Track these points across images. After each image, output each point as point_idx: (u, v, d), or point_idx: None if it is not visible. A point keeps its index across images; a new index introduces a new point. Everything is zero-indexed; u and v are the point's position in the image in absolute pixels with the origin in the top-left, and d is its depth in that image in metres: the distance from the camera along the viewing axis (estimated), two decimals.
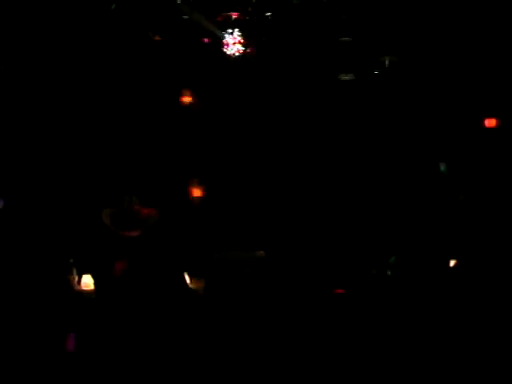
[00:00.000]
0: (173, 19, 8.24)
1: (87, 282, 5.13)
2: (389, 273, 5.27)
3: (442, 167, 6.48)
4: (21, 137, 7.28)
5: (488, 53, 8.11)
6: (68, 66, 7.86)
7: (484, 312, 4.73)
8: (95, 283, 5.09)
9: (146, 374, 4.59)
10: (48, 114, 7.55)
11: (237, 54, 8.33)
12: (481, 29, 8.13)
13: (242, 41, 8.28)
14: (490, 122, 7.91)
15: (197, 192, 7.29)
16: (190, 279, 5.22)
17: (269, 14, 8.31)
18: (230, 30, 8.35)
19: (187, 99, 8.15)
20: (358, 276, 5.59)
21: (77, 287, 5.11)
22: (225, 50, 8.28)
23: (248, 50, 8.18)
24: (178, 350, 4.70)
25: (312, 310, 5.03)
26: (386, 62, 7.96)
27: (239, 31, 8.32)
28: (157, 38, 8.11)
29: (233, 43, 8.32)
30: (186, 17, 8.23)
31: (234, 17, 8.36)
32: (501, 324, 4.66)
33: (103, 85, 7.86)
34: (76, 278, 5.14)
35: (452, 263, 5.48)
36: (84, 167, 7.26)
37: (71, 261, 5.14)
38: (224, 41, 8.20)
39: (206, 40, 8.22)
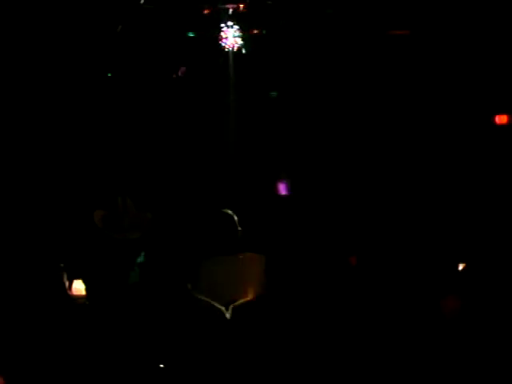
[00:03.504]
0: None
1: (78, 287, 4.99)
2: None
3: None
4: (11, 138, 7.20)
5: (499, 48, 8.00)
6: (63, 68, 7.81)
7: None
8: (87, 289, 4.94)
9: (142, 380, 4.45)
10: (42, 115, 7.48)
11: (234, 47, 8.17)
12: (492, 25, 8.03)
13: (239, 34, 8.13)
14: (501, 119, 7.82)
15: None
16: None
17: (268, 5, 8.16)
18: (226, 23, 8.19)
19: None
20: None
21: (68, 293, 4.98)
22: (222, 43, 8.13)
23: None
24: (174, 355, 4.57)
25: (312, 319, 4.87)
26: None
27: (236, 24, 8.17)
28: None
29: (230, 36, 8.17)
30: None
31: (231, 9, 8.19)
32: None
33: (96, 85, 7.79)
34: (67, 284, 5.01)
35: (461, 266, 5.34)
36: (76, 167, 7.17)
37: (61, 265, 5.00)
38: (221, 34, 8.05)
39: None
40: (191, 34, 8.14)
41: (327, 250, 6.01)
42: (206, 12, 8.25)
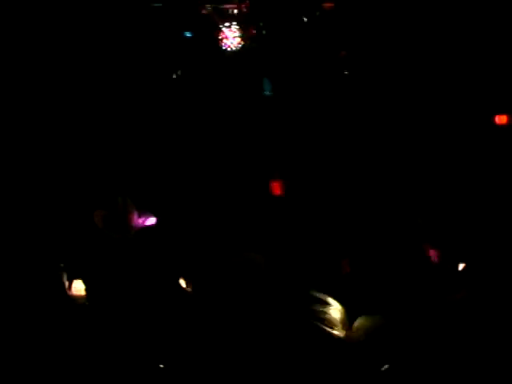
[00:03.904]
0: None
1: (78, 287, 5.00)
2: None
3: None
4: (11, 138, 7.20)
5: (499, 48, 8.00)
6: (63, 68, 7.79)
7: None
8: (87, 289, 4.95)
9: (142, 380, 4.45)
10: (42, 115, 7.48)
11: (234, 48, 8.14)
12: (492, 25, 8.03)
13: (240, 34, 8.11)
14: (501, 119, 7.81)
15: None
16: (186, 283, 5.11)
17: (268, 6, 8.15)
18: (227, 24, 8.17)
19: None
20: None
21: (68, 293, 4.98)
22: (222, 43, 8.11)
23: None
24: (173, 354, 4.56)
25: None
26: None
27: (237, 24, 8.15)
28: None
29: (231, 37, 8.14)
30: None
31: (231, 9, 8.17)
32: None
33: (96, 85, 7.79)
34: (67, 284, 5.01)
35: (461, 266, 5.35)
36: (76, 167, 7.17)
37: (61, 265, 5.01)
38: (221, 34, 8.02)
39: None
40: (188, 34, 8.13)
41: (321, 252, 6.04)
42: (205, 12, 8.25)
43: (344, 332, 3.92)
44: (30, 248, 5.13)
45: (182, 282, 5.07)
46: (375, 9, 8.27)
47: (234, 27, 8.25)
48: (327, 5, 8.04)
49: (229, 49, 8.28)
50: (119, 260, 4.84)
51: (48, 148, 7.38)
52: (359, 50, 8.17)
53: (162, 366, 4.42)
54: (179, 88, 8.15)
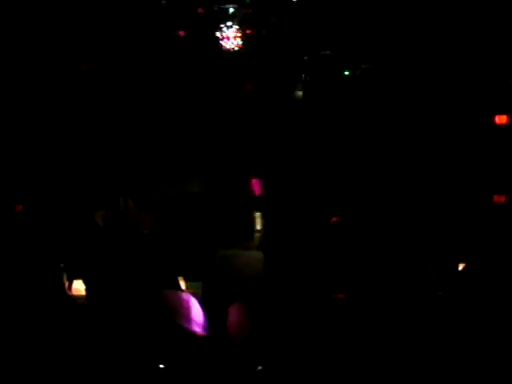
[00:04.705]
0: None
1: (78, 287, 5.01)
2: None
3: None
4: (12, 139, 7.20)
5: (499, 47, 8.00)
6: (63, 69, 7.79)
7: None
8: (87, 289, 4.95)
9: (141, 380, 4.44)
10: (43, 116, 7.48)
11: (235, 48, 8.13)
12: (492, 25, 8.03)
13: (239, 35, 8.09)
14: (501, 119, 7.79)
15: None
16: (186, 284, 5.11)
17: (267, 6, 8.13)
18: (227, 24, 8.15)
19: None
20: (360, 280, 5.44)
21: (68, 293, 4.99)
22: (222, 44, 8.10)
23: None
24: (172, 355, 4.55)
25: (312, 314, 4.89)
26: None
27: (237, 24, 8.13)
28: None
29: (230, 37, 8.12)
30: None
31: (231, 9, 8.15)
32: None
33: (96, 86, 7.79)
34: (67, 284, 5.02)
35: (461, 267, 5.34)
36: (76, 168, 7.16)
37: (61, 265, 5.01)
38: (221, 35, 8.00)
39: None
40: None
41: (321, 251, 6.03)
42: (204, 12, 8.25)
43: None
44: (31, 248, 5.13)
45: (182, 283, 5.08)
46: (374, 9, 8.28)
47: (234, 27, 8.24)
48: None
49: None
50: (119, 260, 4.84)
51: (49, 149, 7.38)
52: (358, 49, 8.17)
53: (161, 366, 4.41)
54: (179, 89, 8.16)
